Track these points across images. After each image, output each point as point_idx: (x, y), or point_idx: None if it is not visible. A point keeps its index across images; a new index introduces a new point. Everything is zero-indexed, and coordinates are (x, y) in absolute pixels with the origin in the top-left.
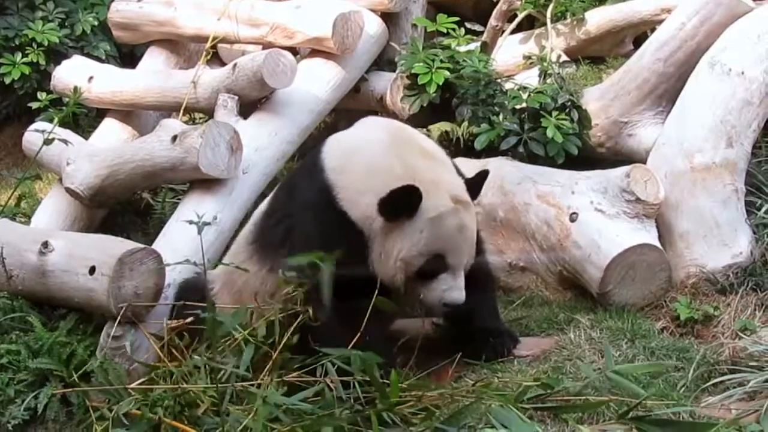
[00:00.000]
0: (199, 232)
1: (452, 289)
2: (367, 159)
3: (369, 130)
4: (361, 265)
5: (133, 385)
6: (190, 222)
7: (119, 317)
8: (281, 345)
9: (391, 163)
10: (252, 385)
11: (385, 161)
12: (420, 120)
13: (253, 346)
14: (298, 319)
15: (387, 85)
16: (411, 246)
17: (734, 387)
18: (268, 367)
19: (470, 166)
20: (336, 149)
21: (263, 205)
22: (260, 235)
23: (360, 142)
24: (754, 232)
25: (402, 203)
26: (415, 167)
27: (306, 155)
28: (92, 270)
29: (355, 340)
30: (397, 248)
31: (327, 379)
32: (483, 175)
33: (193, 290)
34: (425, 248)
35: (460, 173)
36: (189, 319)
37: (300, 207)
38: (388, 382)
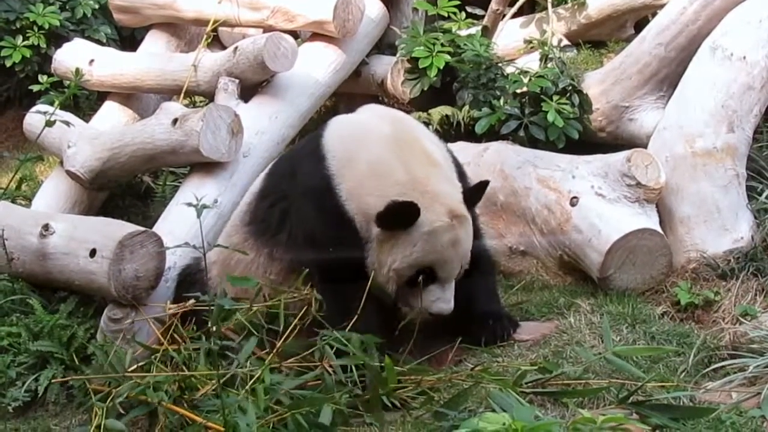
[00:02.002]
0: (199, 216)
1: (440, 300)
2: (371, 156)
3: (373, 120)
4: (356, 257)
5: (135, 372)
6: (190, 205)
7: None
8: (287, 332)
9: (394, 167)
10: (251, 370)
11: (389, 164)
12: (420, 104)
13: (255, 335)
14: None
15: (388, 68)
16: (403, 258)
17: (735, 372)
18: (271, 352)
19: (470, 151)
20: (339, 137)
21: (257, 184)
22: (255, 216)
23: (364, 133)
24: (755, 217)
25: (400, 218)
26: (416, 176)
27: (306, 137)
28: (93, 253)
29: (351, 324)
30: (391, 259)
31: (325, 363)
32: (482, 186)
33: (194, 274)
34: (416, 261)
35: (461, 172)
36: (190, 302)
37: (300, 193)
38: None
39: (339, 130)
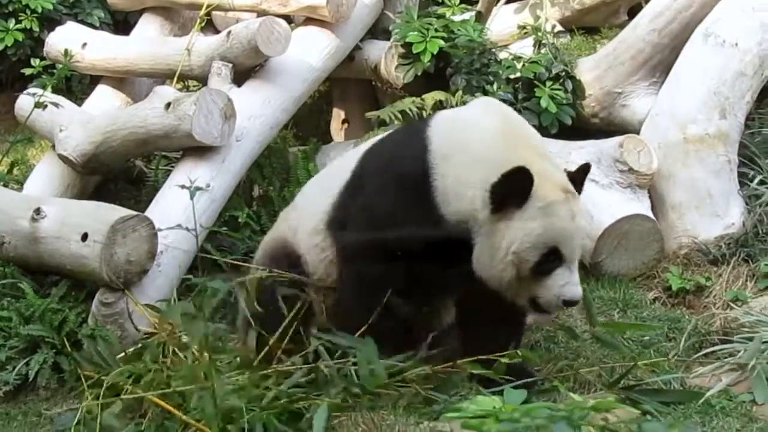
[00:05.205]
0: (192, 198)
1: (570, 284)
2: (476, 148)
3: (482, 114)
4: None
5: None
6: (182, 186)
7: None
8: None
9: (502, 156)
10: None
11: (496, 154)
12: (414, 89)
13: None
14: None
15: (381, 53)
16: (524, 236)
17: (725, 357)
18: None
19: None
20: (445, 130)
21: (343, 177)
22: (339, 216)
23: (472, 127)
24: (747, 203)
25: (515, 187)
26: (527, 162)
27: (407, 126)
28: (85, 237)
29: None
30: (508, 240)
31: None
32: (585, 169)
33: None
34: (539, 239)
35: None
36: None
37: (388, 179)
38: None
39: (445, 123)
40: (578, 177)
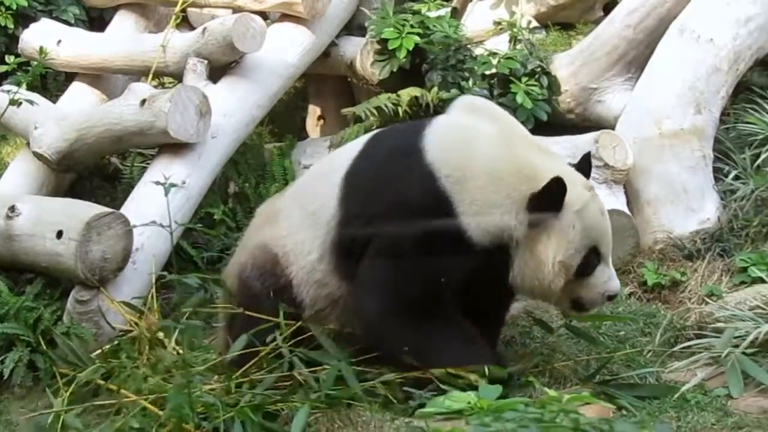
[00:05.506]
0: (166, 194)
1: (611, 278)
2: (489, 164)
3: (474, 121)
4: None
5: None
6: (157, 183)
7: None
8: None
9: (518, 165)
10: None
11: (510, 164)
12: (389, 85)
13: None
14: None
15: (357, 50)
16: (568, 244)
17: (700, 352)
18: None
19: None
20: (447, 151)
21: (333, 207)
22: (349, 245)
23: (471, 140)
24: (722, 198)
25: (552, 198)
26: (538, 164)
27: (398, 149)
28: (60, 234)
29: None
30: (552, 251)
31: (295, 372)
32: (588, 159)
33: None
34: (582, 243)
35: None
36: None
37: (403, 216)
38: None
39: (443, 143)
40: (585, 168)
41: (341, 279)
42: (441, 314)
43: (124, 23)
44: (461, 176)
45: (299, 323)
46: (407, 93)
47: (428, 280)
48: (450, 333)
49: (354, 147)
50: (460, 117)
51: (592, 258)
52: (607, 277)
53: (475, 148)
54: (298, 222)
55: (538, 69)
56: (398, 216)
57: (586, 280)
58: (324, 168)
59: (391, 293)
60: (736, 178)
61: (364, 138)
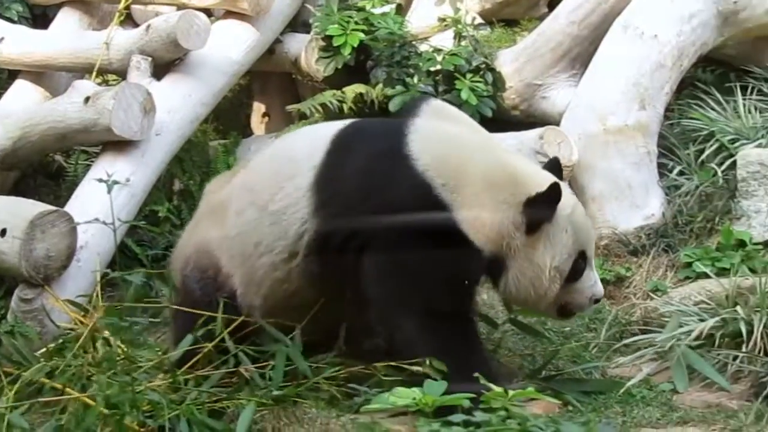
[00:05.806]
0: (109, 191)
1: (597, 281)
2: (480, 169)
3: (452, 127)
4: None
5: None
6: (100, 180)
7: None
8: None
9: (509, 171)
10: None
11: (503, 170)
12: (334, 82)
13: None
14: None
15: (302, 46)
16: (561, 248)
17: (645, 347)
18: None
19: None
20: (439, 159)
21: (306, 211)
22: (335, 254)
23: (462, 147)
24: (666, 194)
25: (548, 204)
26: (527, 170)
27: (379, 158)
28: (3, 232)
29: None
30: (549, 257)
31: (242, 368)
32: (557, 162)
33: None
34: (573, 248)
35: None
36: None
37: (414, 228)
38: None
39: (433, 152)
40: (556, 171)
41: (313, 284)
42: (463, 318)
43: (67, 20)
44: (457, 184)
45: (242, 318)
46: (352, 90)
47: (450, 290)
48: (472, 338)
49: (313, 144)
50: (437, 122)
51: (580, 262)
52: (593, 281)
53: (467, 155)
54: (254, 220)
55: (483, 65)
56: (400, 228)
57: (574, 285)
58: (281, 165)
59: (417, 306)
60: (681, 173)
61: (320, 132)
